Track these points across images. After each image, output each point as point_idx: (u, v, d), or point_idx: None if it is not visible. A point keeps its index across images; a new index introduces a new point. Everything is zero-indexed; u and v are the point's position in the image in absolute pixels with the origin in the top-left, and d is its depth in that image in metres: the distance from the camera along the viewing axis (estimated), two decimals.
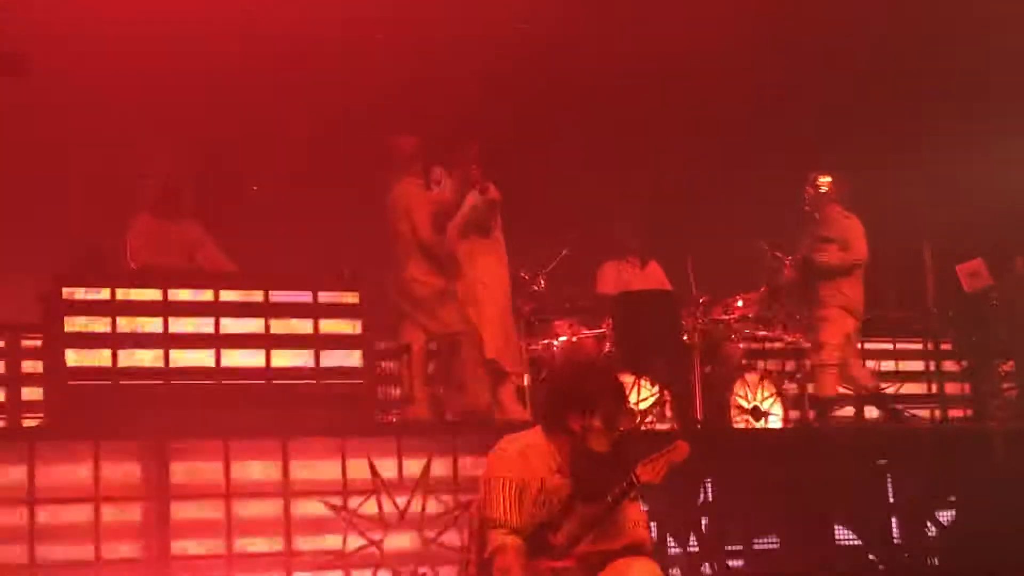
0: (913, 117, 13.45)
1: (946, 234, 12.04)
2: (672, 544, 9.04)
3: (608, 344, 10.70)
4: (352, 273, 9.23)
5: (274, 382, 8.77)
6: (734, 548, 9.29)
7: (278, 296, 8.94)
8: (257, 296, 8.89)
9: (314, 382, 8.86)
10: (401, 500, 8.38)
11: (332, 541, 8.20)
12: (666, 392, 10.17)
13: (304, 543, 8.15)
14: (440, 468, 8.55)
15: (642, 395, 10.12)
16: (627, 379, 10.14)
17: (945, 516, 9.84)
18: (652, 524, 6.69)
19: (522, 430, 6.26)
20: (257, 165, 12.45)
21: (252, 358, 8.77)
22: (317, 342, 8.93)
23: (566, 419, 6.02)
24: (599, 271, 11.63)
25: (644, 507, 6.24)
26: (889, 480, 9.80)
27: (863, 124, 13.50)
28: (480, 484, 6.09)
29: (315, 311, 8.98)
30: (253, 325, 8.81)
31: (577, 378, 6.20)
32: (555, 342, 10.79)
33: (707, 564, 9.18)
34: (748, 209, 12.77)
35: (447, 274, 9.86)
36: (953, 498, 9.83)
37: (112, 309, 8.51)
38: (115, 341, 8.46)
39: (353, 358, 9.02)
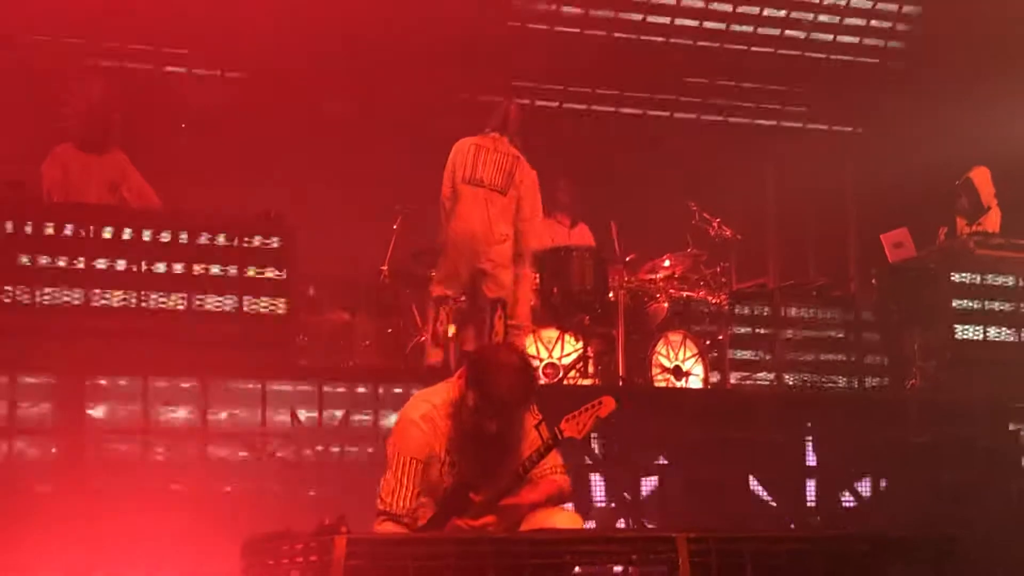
0: (846, 85, 13.55)
1: (871, 203, 12.14)
2: (596, 499, 9.10)
3: (534, 299, 10.69)
4: (278, 216, 9.13)
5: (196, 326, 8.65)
6: (651, 505, 9.36)
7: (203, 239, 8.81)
8: (182, 237, 8.75)
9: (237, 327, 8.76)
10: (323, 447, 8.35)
11: (250, 484, 8.13)
12: (589, 348, 10.18)
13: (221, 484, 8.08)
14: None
15: (566, 350, 10.13)
16: (552, 334, 10.16)
17: (862, 485, 9.97)
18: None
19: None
20: (189, 101, 12.29)
21: (175, 300, 8.63)
22: (241, 286, 8.81)
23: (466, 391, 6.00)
24: None
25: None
26: (808, 445, 9.90)
27: (796, 91, 13.60)
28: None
29: (240, 255, 8.87)
30: (176, 267, 8.67)
31: (477, 357, 6.18)
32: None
33: (623, 520, 9.24)
34: (679, 170, 12.82)
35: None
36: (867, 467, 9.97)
37: (31, 246, 8.33)
38: (34, 277, 8.30)
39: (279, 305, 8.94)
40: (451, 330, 10.12)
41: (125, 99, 10.20)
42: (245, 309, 8.75)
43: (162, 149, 11.08)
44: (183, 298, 8.61)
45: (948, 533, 6.39)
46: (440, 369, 9.43)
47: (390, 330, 11.45)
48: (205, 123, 12.31)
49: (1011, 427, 10.19)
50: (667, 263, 10.92)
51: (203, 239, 8.78)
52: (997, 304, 10.83)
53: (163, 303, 8.55)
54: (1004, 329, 10.83)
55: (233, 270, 8.78)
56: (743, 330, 11.27)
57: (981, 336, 10.73)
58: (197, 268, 8.69)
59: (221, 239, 8.82)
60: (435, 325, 10.08)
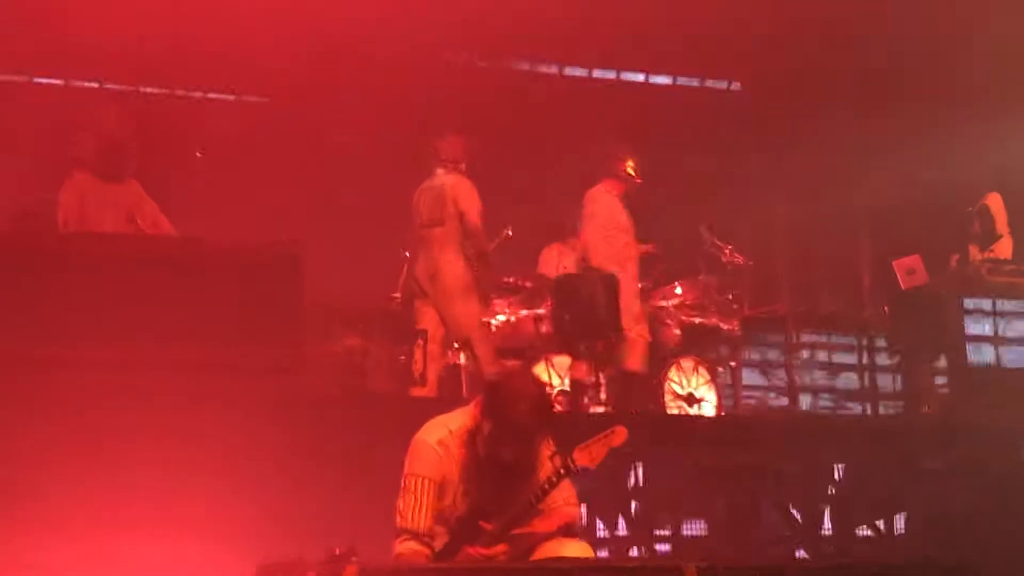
0: (855, 113, 13.56)
1: (885, 230, 12.15)
2: (601, 527, 9.07)
3: (546, 326, 10.71)
4: (292, 243, 9.15)
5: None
6: (662, 533, 9.33)
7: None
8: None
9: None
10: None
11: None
12: (601, 376, 10.19)
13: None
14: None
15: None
16: (564, 361, 10.16)
17: (877, 512, 9.94)
18: (582, 506, 6.65)
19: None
20: (206, 131, 12.36)
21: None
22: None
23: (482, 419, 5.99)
24: (541, 253, 11.66)
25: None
26: (821, 472, 9.88)
27: (806, 119, 13.60)
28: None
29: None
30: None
31: (494, 384, 6.15)
32: (493, 321, 10.77)
33: (635, 548, 9.21)
34: (691, 196, 12.83)
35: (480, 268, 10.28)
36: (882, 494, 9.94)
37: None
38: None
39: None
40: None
41: (141, 127, 10.24)
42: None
43: (177, 177, 11.12)
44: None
45: (962, 560, 6.37)
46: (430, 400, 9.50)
47: (403, 357, 11.46)
48: (220, 151, 12.36)
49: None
50: (679, 290, 10.93)
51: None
52: (1010, 330, 10.81)
53: None
54: (1017, 354, 10.80)
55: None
56: (756, 356, 11.27)
57: (994, 362, 10.70)
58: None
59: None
60: (414, 359, 10.13)
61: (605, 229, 10.68)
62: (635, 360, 10.50)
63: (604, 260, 10.57)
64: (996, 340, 10.76)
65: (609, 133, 12.20)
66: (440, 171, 10.42)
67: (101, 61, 11.69)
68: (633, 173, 10.87)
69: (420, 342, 10.07)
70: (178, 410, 8.13)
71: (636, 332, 10.56)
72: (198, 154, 11.63)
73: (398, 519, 5.94)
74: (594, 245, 10.66)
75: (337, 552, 5.19)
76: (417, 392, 9.88)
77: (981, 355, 10.69)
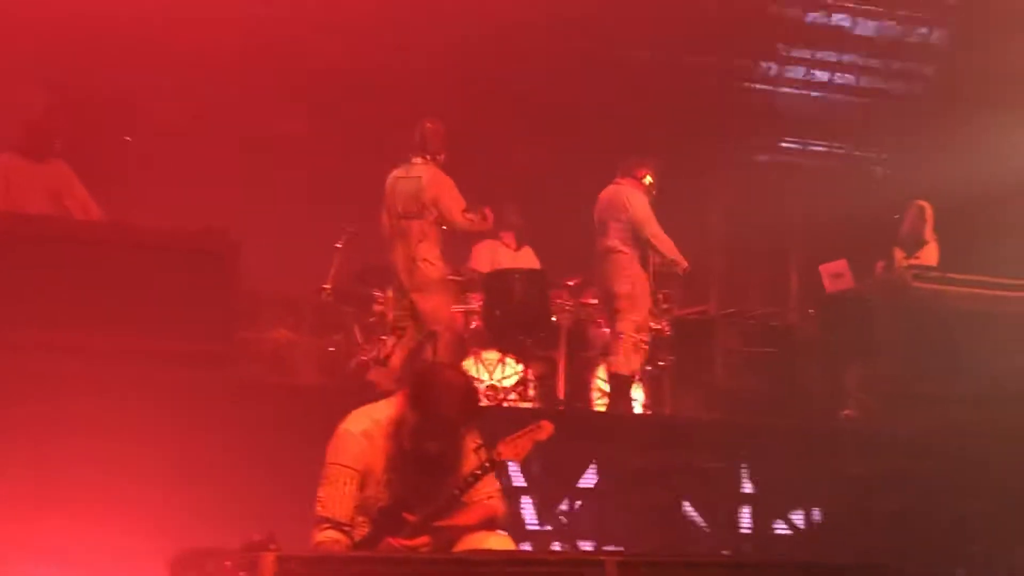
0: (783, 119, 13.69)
1: (814, 234, 12.28)
2: (529, 521, 9.11)
3: (476, 320, 10.73)
4: (222, 231, 9.13)
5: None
6: (586, 528, 9.38)
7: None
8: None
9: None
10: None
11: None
12: (530, 371, 10.22)
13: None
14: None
15: (506, 373, 10.17)
16: (492, 356, 10.19)
17: (796, 514, 10.04)
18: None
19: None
20: (138, 116, 12.26)
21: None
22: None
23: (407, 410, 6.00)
24: (474, 247, 11.68)
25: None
26: (743, 472, 9.96)
27: (737, 125, 13.71)
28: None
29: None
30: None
31: (420, 376, 6.17)
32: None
33: (558, 543, 9.26)
34: None
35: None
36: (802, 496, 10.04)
37: None
38: None
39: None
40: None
41: (69, 109, 10.16)
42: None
43: (106, 162, 11.04)
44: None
45: (879, 563, 6.45)
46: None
47: (332, 349, 11.44)
48: (152, 137, 12.28)
49: (943, 458, 10.27)
50: None
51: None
52: (932, 337, 10.94)
53: None
54: (938, 361, 10.93)
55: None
56: (684, 356, 11.33)
57: (916, 368, 10.83)
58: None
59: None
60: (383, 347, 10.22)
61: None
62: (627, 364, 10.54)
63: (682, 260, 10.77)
64: (918, 346, 10.91)
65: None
66: (417, 160, 10.43)
67: (28, 41, 11.54)
68: (651, 182, 10.95)
69: (398, 331, 10.16)
70: (99, 397, 8.06)
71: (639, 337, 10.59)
72: (127, 138, 11.56)
73: (319, 508, 5.93)
74: (668, 241, 10.76)
75: (255, 539, 5.17)
76: (376, 375, 9.86)
77: (903, 361, 10.84)
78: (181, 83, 12.16)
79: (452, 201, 10.35)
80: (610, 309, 10.67)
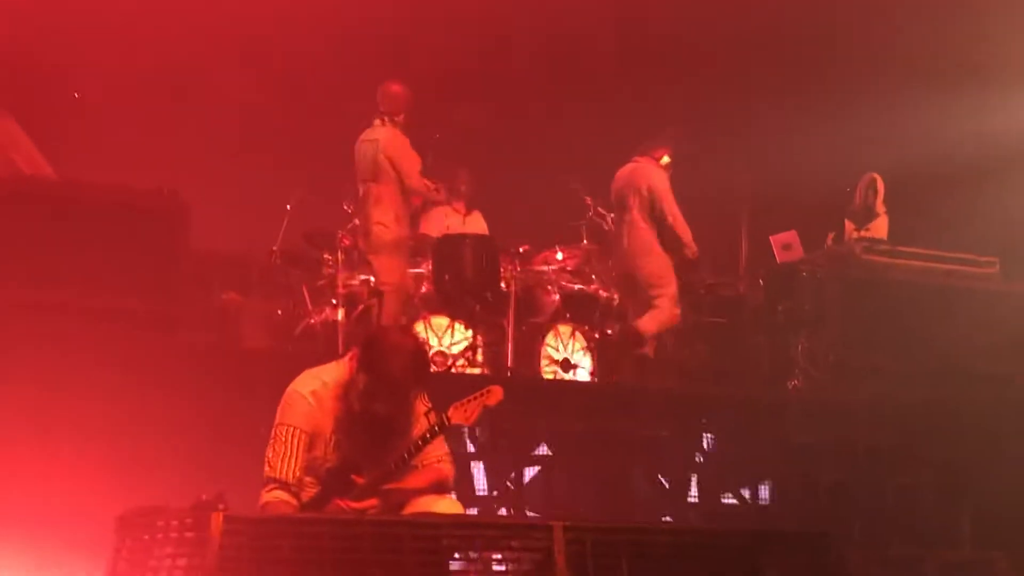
0: (742, 90, 13.69)
1: (764, 205, 12.31)
2: (480, 486, 9.14)
3: (426, 285, 10.71)
4: (171, 191, 9.07)
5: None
6: (534, 495, 9.42)
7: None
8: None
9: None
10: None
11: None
12: (479, 337, 10.21)
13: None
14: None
15: (455, 338, 10.15)
16: (442, 321, 10.17)
17: (743, 482, 10.11)
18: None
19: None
20: (87, 71, 12.12)
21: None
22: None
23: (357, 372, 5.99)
24: (423, 213, 11.64)
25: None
26: (690, 442, 10.01)
27: (691, 92, 13.71)
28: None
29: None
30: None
31: (370, 338, 6.15)
32: (372, 278, 10.74)
33: (505, 508, 9.29)
34: (577, 163, 12.86)
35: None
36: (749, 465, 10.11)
37: None
38: None
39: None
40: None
41: (16, 66, 10.03)
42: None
43: (55, 118, 10.92)
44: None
45: (823, 530, 6.50)
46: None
47: (280, 312, 11.39)
48: (100, 95, 12.14)
49: (888, 429, 10.37)
50: (560, 255, 10.99)
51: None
52: (880, 308, 11.03)
53: None
54: (884, 333, 11.02)
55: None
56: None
57: (863, 339, 10.91)
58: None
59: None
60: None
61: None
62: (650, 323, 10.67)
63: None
64: (866, 317, 11.00)
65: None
66: (377, 122, 10.54)
67: None
68: (668, 162, 11.05)
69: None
70: (47, 355, 8.01)
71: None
72: (75, 95, 11.43)
73: (267, 468, 5.92)
74: (686, 230, 10.89)
75: (204, 499, 5.15)
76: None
77: (850, 332, 10.92)
78: (132, 39, 12.03)
79: (408, 162, 10.44)
80: (631, 285, 10.88)
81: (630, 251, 10.83)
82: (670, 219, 10.78)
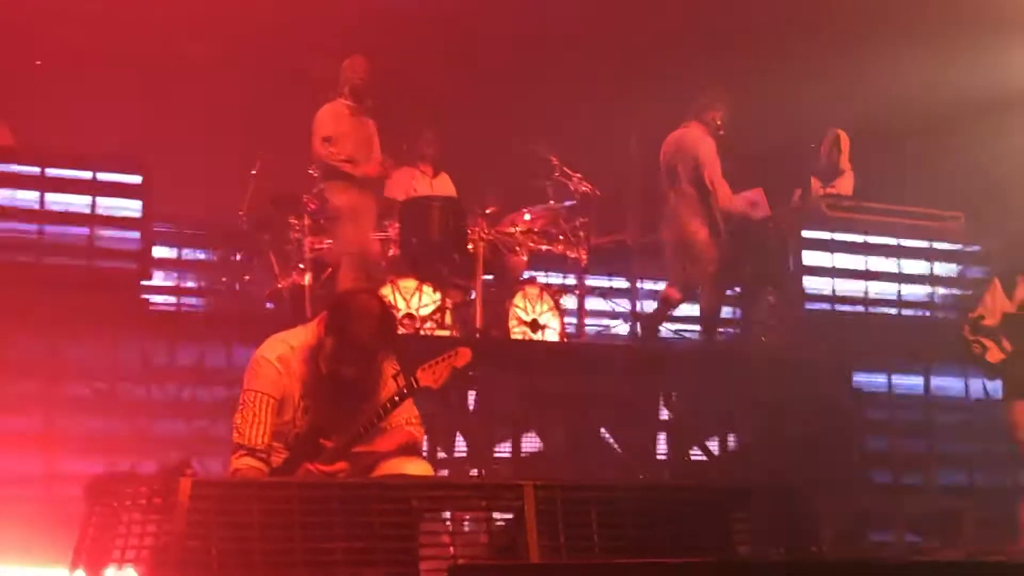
0: (705, 48, 13.67)
1: (729, 163, 12.30)
2: (451, 451, 9.17)
3: (393, 248, 10.69)
4: (136, 155, 9.04)
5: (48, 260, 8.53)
6: (502, 455, 9.45)
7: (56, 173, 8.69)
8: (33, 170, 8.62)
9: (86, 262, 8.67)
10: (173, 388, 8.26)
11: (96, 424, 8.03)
12: (447, 299, 10.20)
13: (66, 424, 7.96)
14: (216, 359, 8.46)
15: (423, 301, 10.13)
16: (410, 284, 10.15)
17: (711, 439, 10.16)
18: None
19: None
20: (49, 38, 12.02)
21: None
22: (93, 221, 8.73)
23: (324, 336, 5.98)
24: (390, 177, 11.60)
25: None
26: (659, 399, 10.06)
27: (657, 52, 13.67)
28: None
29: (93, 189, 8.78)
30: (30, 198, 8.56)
31: (337, 302, 6.15)
32: None
33: (475, 469, 9.31)
34: (542, 124, 12.84)
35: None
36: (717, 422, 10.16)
37: None
38: None
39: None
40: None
41: None
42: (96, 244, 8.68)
43: (16, 86, 10.83)
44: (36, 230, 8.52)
45: (790, 485, 6.55)
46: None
47: (247, 277, 11.36)
48: (64, 61, 12.05)
49: (854, 383, 10.43)
50: (527, 216, 10.95)
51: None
52: (846, 264, 11.08)
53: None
54: (852, 289, 11.08)
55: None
56: (601, 284, 11.37)
57: (830, 293, 10.97)
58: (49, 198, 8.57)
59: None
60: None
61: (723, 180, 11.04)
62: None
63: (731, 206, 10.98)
64: (832, 273, 11.05)
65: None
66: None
67: None
68: (720, 124, 11.14)
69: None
70: (14, 321, 7.98)
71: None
72: (37, 63, 11.34)
73: (235, 434, 5.92)
74: (726, 188, 10.97)
75: (171, 465, 5.14)
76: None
77: (817, 287, 10.97)
78: (93, 6, 11.92)
79: (315, 132, 10.71)
80: (686, 252, 11.00)
81: (683, 218, 11.00)
82: (711, 186, 10.95)
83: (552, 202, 11.16)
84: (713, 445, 10.17)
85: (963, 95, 12.23)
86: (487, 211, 10.87)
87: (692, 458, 10.07)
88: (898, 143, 12.53)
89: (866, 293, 11.07)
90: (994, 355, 8.26)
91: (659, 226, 11.42)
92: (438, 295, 10.12)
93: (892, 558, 7.98)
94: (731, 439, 10.12)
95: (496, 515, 5.74)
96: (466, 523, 5.98)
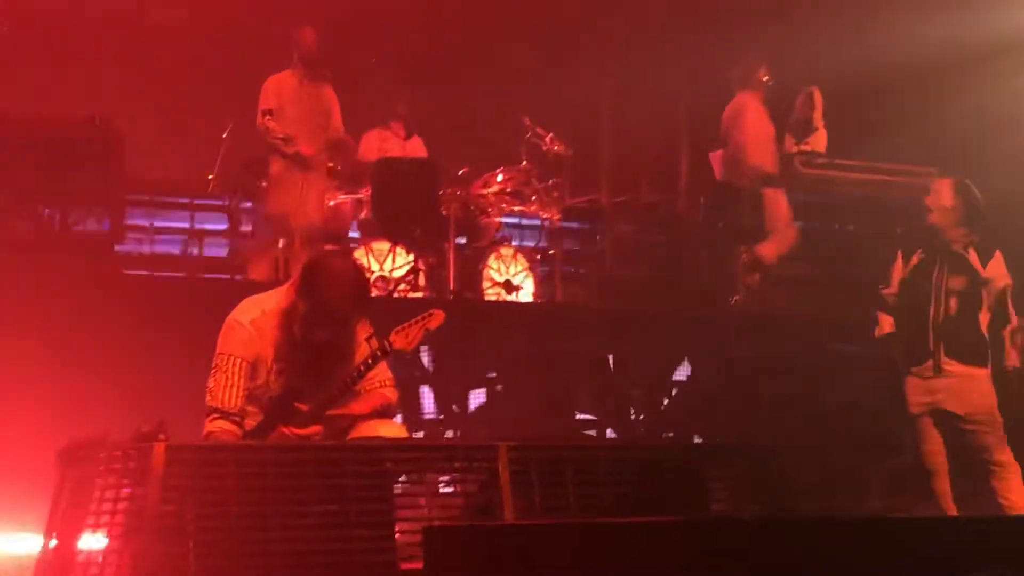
0: (676, 3, 13.63)
1: (703, 121, 12.29)
2: (424, 411, 9.17)
3: (365, 210, 10.67)
4: (104, 121, 8.97)
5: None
6: (479, 417, 9.46)
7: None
8: None
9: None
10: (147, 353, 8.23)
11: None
12: (420, 261, 10.19)
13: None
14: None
15: (397, 263, 10.12)
16: (383, 246, 10.14)
17: (684, 397, 10.18)
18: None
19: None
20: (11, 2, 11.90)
21: None
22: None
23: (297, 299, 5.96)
24: (363, 137, 11.56)
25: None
26: (633, 358, 10.08)
27: (629, 9, 13.64)
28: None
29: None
30: None
31: (309, 265, 6.11)
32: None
33: (451, 430, 9.33)
34: (514, 84, 12.80)
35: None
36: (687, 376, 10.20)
37: None
38: None
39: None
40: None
41: None
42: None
43: None
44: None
45: (763, 444, 6.57)
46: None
47: (221, 241, 11.33)
48: (27, 26, 11.93)
49: (827, 342, 10.45)
50: (500, 177, 10.92)
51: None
52: (818, 221, 11.12)
53: None
54: (824, 245, 11.12)
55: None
56: (574, 245, 11.36)
57: (802, 252, 11.00)
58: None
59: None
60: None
61: (757, 139, 11.13)
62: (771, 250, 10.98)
63: (762, 164, 11.06)
64: (805, 231, 11.08)
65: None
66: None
67: None
68: (767, 78, 11.32)
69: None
70: None
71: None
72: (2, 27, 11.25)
73: (208, 398, 5.90)
74: (751, 151, 11.07)
75: (145, 430, 5.13)
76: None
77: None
78: None
79: (259, 103, 10.69)
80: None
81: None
82: (732, 146, 11.16)
83: (525, 163, 11.14)
84: (687, 403, 10.20)
85: (938, 49, 12.21)
86: (459, 173, 10.85)
87: (665, 417, 10.11)
88: (872, 99, 12.51)
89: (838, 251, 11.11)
90: (880, 330, 8.27)
91: None
92: (411, 257, 10.11)
93: (866, 516, 7.99)
94: (705, 399, 10.15)
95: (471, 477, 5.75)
96: (442, 485, 5.98)
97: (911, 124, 12.28)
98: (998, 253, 7.98)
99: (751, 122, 11.17)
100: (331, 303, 5.86)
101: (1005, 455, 7.87)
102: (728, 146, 11.29)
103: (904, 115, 12.39)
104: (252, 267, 10.33)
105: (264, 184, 10.70)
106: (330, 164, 10.84)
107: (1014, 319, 8.00)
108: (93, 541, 5.28)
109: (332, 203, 10.78)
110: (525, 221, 11.37)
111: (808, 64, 12.02)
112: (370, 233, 10.47)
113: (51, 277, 8.22)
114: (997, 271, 7.95)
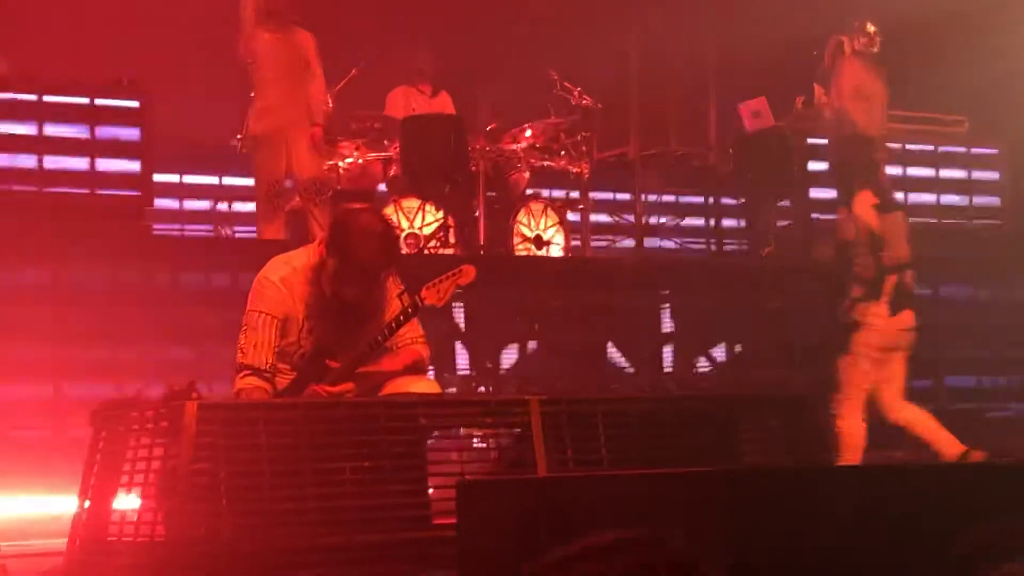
0: None
1: (732, 73, 12.22)
2: (457, 368, 9.18)
3: (394, 168, 10.65)
4: (133, 81, 8.99)
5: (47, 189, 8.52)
6: (511, 371, 9.47)
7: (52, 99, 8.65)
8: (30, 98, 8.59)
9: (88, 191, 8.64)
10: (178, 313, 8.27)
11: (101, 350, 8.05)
12: (450, 218, 10.17)
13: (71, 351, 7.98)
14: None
15: (426, 220, 10.11)
16: (413, 203, 10.12)
17: (718, 350, 10.16)
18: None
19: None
20: None
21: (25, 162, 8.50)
22: (93, 148, 8.70)
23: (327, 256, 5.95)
24: (389, 95, 11.52)
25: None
26: (666, 310, 10.05)
27: None
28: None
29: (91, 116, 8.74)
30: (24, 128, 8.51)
31: (338, 222, 6.09)
32: (341, 163, 10.67)
33: (483, 387, 9.34)
34: (540, 38, 12.73)
35: None
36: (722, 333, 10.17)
37: None
38: None
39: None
40: None
41: None
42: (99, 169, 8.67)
43: (10, 14, 10.72)
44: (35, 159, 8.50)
45: (796, 393, 6.54)
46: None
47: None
48: None
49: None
50: (528, 132, 10.89)
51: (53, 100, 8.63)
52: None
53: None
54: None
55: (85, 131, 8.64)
56: (604, 198, 11.32)
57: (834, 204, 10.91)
58: (48, 129, 8.53)
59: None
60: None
61: (856, 98, 11.13)
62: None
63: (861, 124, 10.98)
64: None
65: None
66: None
67: None
68: (872, 34, 11.34)
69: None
70: (16, 250, 7.98)
71: None
72: None
73: (239, 355, 5.90)
74: (849, 109, 11.07)
75: (176, 389, 5.14)
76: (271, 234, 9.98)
77: (822, 192, 10.92)
78: None
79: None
80: None
81: None
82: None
83: (553, 117, 11.09)
84: (719, 354, 10.18)
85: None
86: (488, 128, 10.82)
87: (698, 370, 10.09)
88: (898, 45, 12.38)
89: None
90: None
91: None
92: (441, 214, 10.10)
93: (898, 463, 7.96)
94: (736, 348, 10.12)
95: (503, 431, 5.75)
96: (475, 440, 5.98)
97: (938, 72, 12.17)
98: None
99: (850, 81, 11.22)
100: (361, 260, 5.85)
101: None
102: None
103: (933, 63, 12.26)
104: (263, 229, 10.24)
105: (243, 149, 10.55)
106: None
107: None
108: (127, 501, 5.31)
109: (361, 161, 10.76)
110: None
111: (836, 12, 11.90)
112: (399, 190, 10.45)
113: (81, 236, 8.25)
114: None
